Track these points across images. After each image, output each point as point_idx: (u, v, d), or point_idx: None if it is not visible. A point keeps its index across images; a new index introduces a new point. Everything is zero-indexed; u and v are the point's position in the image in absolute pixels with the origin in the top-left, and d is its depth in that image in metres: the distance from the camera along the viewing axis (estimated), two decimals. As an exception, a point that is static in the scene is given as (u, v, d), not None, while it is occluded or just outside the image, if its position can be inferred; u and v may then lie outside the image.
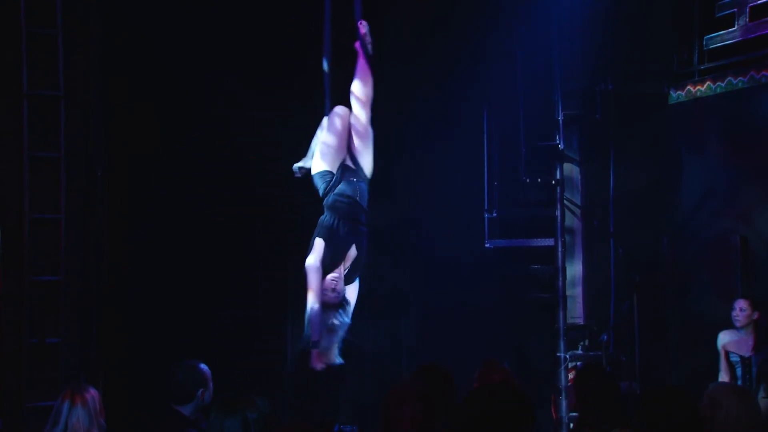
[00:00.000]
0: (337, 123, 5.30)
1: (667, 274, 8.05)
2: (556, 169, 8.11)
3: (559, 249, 8.01)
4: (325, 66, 5.26)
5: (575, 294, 8.43)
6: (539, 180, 8.13)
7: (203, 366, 4.74)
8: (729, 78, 7.59)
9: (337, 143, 5.27)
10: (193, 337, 7.22)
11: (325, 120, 5.37)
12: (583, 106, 8.31)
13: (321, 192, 5.29)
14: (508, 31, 8.20)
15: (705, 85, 7.78)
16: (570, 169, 8.44)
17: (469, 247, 8.32)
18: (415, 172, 8.45)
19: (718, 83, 7.67)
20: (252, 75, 7.70)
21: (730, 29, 7.61)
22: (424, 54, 8.23)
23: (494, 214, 8.22)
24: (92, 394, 4.54)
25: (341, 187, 5.22)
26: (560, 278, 7.98)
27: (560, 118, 8.09)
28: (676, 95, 8.04)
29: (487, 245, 8.21)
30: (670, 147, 8.11)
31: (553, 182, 8.08)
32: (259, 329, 7.93)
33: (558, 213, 8.05)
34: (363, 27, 5.28)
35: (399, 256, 8.50)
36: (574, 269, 8.46)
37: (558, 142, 8.08)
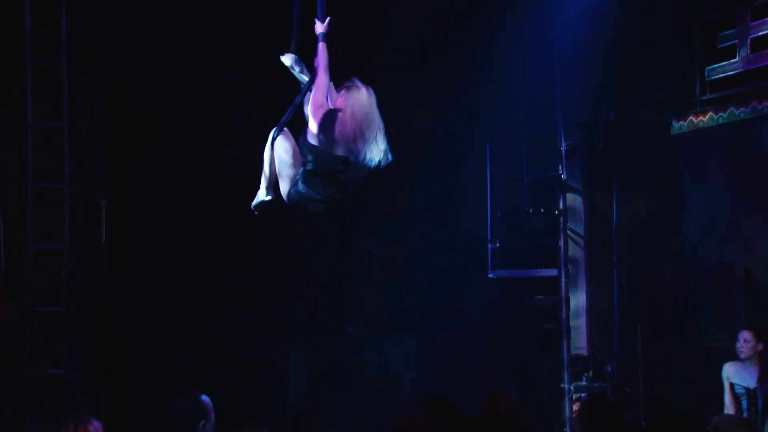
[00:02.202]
0: None
1: (670, 305, 8.03)
2: (559, 199, 8.12)
3: (563, 279, 8.00)
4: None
5: (579, 324, 8.39)
6: (542, 210, 8.14)
7: (204, 398, 4.72)
8: (731, 109, 7.61)
9: None
10: (193, 337, 7.23)
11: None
12: (585, 137, 8.33)
13: None
14: (510, 62, 8.25)
15: (707, 116, 7.80)
16: (573, 199, 8.43)
17: (472, 277, 8.32)
18: (419, 202, 8.46)
19: (720, 114, 7.69)
20: (252, 75, 7.71)
21: (731, 60, 7.64)
22: (427, 84, 8.27)
23: (497, 245, 8.22)
24: (95, 426, 4.51)
25: None
26: (564, 308, 7.96)
27: (563, 148, 8.11)
28: (679, 125, 8.05)
29: (490, 275, 8.21)
30: (673, 177, 8.11)
31: (556, 212, 8.09)
32: (259, 329, 7.91)
33: (561, 243, 8.05)
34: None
35: (402, 286, 8.49)
36: (578, 299, 8.42)
37: (561, 172, 8.10)
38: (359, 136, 4.83)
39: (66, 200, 6.46)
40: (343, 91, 4.92)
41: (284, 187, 5.14)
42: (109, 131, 7.03)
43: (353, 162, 4.89)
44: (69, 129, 6.51)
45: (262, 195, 5.36)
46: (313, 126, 4.92)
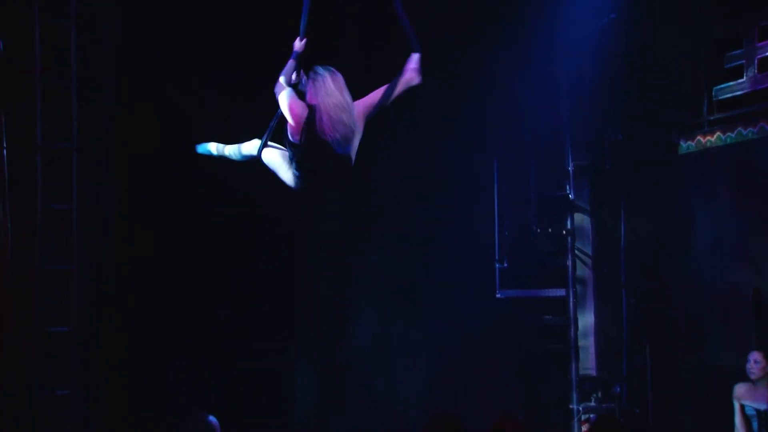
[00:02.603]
0: None
1: (679, 325, 7.99)
2: (566, 219, 8.11)
3: (571, 299, 7.98)
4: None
5: (587, 345, 8.35)
6: (550, 230, 8.13)
7: (212, 419, 4.70)
8: (739, 128, 7.61)
9: None
10: (193, 337, 7.22)
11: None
12: (593, 157, 8.33)
13: None
14: (517, 82, 8.26)
15: (715, 136, 7.80)
16: (581, 219, 8.43)
17: (480, 297, 8.30)
18: (426, 221, 8.45)
19: (728, 134, 7.69)
20: (252, 74, 7.70)
21: (739, 80, 7.64)
22: (434, 103, 8.28)
23: (505, 264, 8.20)
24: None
25: None
26: (572, 329, 7.94)
27: (570, 168, 8.11)
28: (686, 145, 8.05)
29: (498, 295, 8.19)
30: (681, 197, 8.10)
31: (564, 232, 8.08)
32: (259, 329, 7.90)
33: (569, 263, 8.04)
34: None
35: (410, 305, 8.47)
36: (586, 320, 8.39)
37: (568, 192, 8.09)
38: (339, 126, 4.72)
39: (74, 220, 6.47)
40: (310, 84, 4.79)
41: (288, 176, 5.10)
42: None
43: (339, 151, 4.83)
44: (77, 150, 6.53)
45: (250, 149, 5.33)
46: (294, 126, 4.83)
